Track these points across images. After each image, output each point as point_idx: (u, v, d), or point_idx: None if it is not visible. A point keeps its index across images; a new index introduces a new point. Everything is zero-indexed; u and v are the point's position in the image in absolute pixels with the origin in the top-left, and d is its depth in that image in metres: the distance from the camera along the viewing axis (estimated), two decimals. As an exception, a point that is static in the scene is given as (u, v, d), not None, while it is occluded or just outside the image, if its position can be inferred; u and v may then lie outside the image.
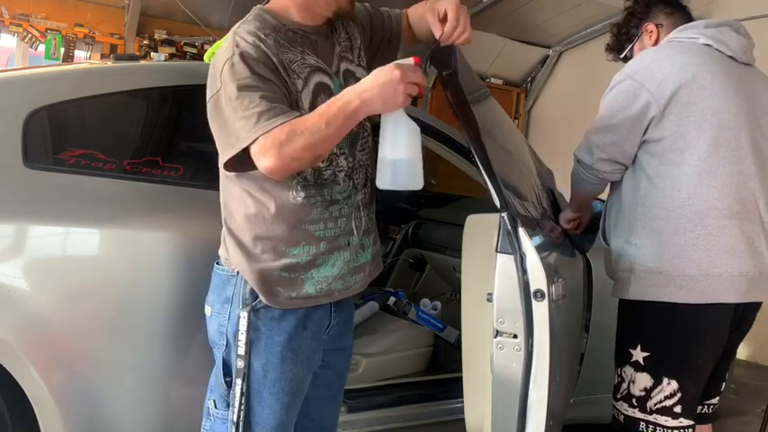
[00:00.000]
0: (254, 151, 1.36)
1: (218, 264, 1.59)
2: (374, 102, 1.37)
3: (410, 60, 1.40)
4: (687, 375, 1.75)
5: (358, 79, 1.52)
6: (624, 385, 1.81)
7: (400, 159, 1.41)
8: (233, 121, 1.37)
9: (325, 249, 1.52)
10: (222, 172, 1.55)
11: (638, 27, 1.99)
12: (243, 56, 1.40)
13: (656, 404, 1.75)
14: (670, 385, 1.74)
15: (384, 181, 1.42)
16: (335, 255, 1.53)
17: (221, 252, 1.58)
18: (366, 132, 1.61)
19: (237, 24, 1.49)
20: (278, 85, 1.42)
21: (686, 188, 1.69)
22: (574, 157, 1.88)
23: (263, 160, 1.35)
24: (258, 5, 1.54)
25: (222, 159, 1.44)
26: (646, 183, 1.76)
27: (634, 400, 1.78)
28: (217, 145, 1.46)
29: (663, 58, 1.77)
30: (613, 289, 1.86)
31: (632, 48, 2.00)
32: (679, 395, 1.74)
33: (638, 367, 1.77)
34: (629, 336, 1.81)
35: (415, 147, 1.43)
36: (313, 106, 1.45)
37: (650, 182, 1.75)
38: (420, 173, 1.43)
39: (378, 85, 1.36)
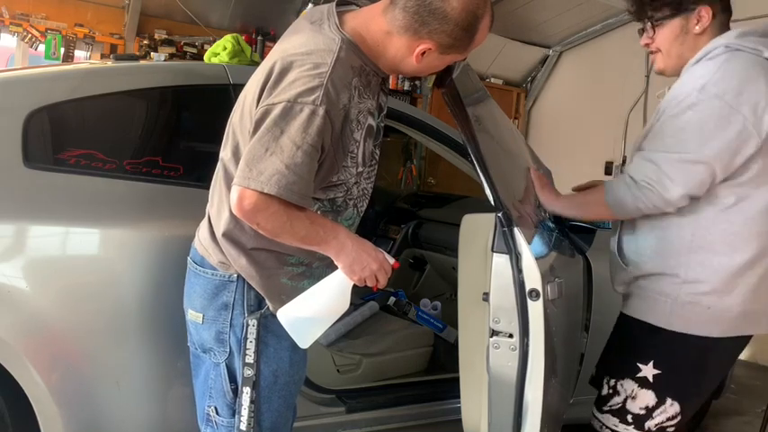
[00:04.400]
0: (249, 192, 1.31)
1: (201, 266, 1.54)
2: (343, 259, 1.43)
3: (392, 260, 1.48)
4: (691, 400, 1.71)
5: (382, 107, 1.57)
6: (618, 399, 1.74)
7: (311, 318, 1.45)
8: (272, 158, 1.31)
9: (317, 266, 1.53)
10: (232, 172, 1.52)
11: (696, 3, 1.67)
12: (327, 114, 1.33)
13: (656, 425, 1.70)
14: (673, 407, 1.69)
15: (284, 316, 1.44)
16: (329, 271, 1.52)
17: (209, 255, 1.52)
18: (374, 161, 1.58)
19: (331, 52, 1.37)
20: (323, 154, 1.39)
21: (757, 225, 1.60)
22: (628, 177, 1.65)
23: (242, 204, 1.32)
24: (347, 34, 1.42)
25: (240, 176, 1.34)
26: (711, 213, 1.62)
27: (629, 417, 1.72)
28: (240, 143, 1.43)
29: (751, 78, 1.56)
30: (633, 307, 1.75)
31: (663, 21, 1.71)
32: (678, 419, 1.69)
33: (644, 384, 1.70)
34: (641, 351, 1.71)
35: (331, 317, 1.48)
36: (364, 153, 1.48)
37: (716, 213, 1.62)
38: (313, 337, 1.48)
39: (358, 256, 1.42)
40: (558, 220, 2.13)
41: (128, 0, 4.81)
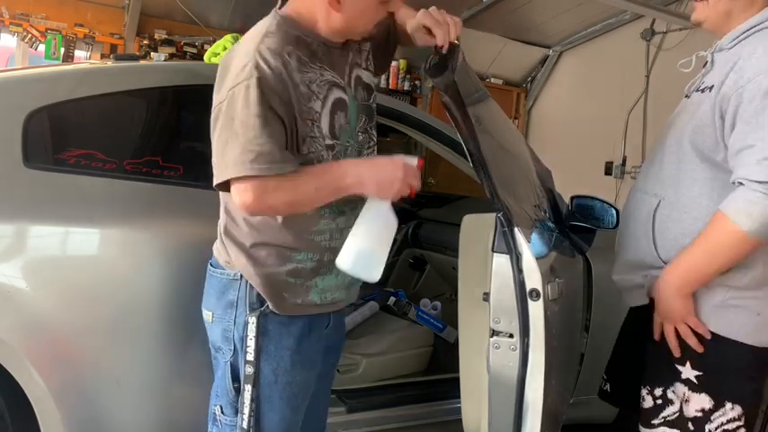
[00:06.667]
0: (237, 185, 1.36)
1: (214, 267, 1.57)
2: (368, 188, 1.42)
3: (414, 160, 1.45)
4: (752, 403, 1.57)
5: (366, 85, 1.57)
6: (673, 408, 1.59)
7: (367, 249, 1.44)
8: (231, 145, 1.35)
9: (329, 259, 1.52)
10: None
11: None
12: (261, 82, 1.35)
13: (717, 427, 1.55)
14: (734, 410, 1.55)
15: (344, 263, 1.43)
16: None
17: (219, 255, 1.56)
18: (372, 142, 1.59)
19: (260, 33, 1.43)
20: (285, 125, 1.39)
21: None
22: (756, 184, 1.40)
23: (242, 198, 1.36)
24: (281, 13, 1.48)
25: (215, 178, 1.41)
26: None
27: (690, 424, 1.57)
28: (213, 154, 1.44)
29: None
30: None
31: None
32: (742, 422, 1.55)
33: (693, 387, 1.57)
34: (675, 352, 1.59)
35: (386, 240, 1.46)
36: (331, 125, 1.47)
37: None
38: (381, 266, 1.46)
39: (378, 176, 1.41)
40: (559, 219, 2.13)
41: (128, 0, 4.81)
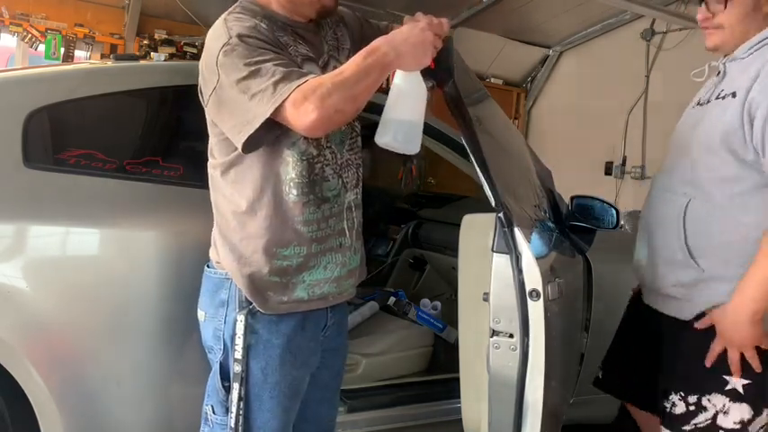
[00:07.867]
0: (291, 110, 1.28)
1: (208, 266, 1.58)
2: (406, 58, 1.37)
3: (434, 20, 1.43)
4: None
5: (338, 62, 1.55)
6: (706, 415, 1.59)
7: (405, 120, 1.41)
8: (245, 101, 1.31)
9: (316, 251, 1.51)
10: (212, 172, 1.54)
11: None
12: (240, 37, 1.35)
13: None
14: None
15: (383, 138, 1.40)
16: (327, 257, 1.53)
17: (212, 254, 1.57)
18: (355, 132, 1.60)
19: (224, 14, 1.46)
20: (286, 57, 1.38)
21: None
22: None
23: (303, 114, 1.27)
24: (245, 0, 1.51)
25: (240, 140, 1.35)
26: None
27: None
28: (229, 135, 1.41)
29: None
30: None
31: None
32: None
33: (735, 397, 1.56)
34: (725, 362, 1.57)
35: (420, 110, 1.43)
36: None
37: None
38: (418, 138, 1.43)
39: (411, 44, 1.36)
40: (559, 219, 2.13)
41: (128, 0, 4.81)
